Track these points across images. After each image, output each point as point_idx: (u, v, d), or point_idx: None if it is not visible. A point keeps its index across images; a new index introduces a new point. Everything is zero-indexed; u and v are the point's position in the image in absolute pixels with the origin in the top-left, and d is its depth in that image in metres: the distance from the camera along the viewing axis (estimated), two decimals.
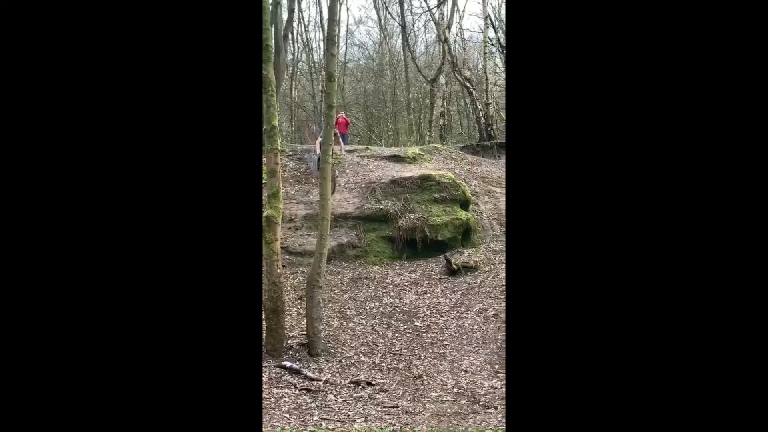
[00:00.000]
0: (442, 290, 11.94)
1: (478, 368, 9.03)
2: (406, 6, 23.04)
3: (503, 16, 21.01)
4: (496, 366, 9.08)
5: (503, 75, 22.03)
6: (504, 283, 11.97)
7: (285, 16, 16.77)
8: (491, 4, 22.79)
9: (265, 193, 9.52)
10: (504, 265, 12.48)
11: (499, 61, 22.33)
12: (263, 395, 7.81)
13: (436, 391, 8.37)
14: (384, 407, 7.79)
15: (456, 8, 22.88)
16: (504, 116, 21.07)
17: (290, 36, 19.05)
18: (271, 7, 10.50)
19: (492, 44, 21.52)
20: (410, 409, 7.75)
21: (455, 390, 8.32)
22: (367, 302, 11.39)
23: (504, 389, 8.36)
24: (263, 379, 8.32)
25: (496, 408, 7.67)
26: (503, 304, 11.27)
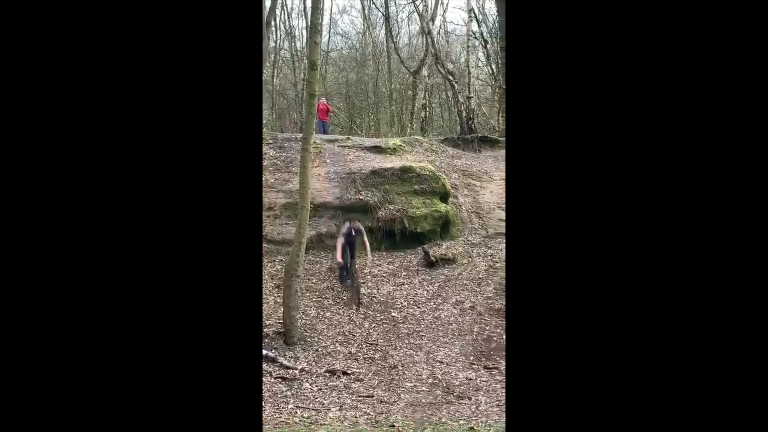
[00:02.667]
0: (419, 282, 11.98)
1: (454, 359, 9.09)
2: None
3: (487, 10, 21.09)
4: (471, 358, 9.15)
5: (485, 69, 22.12)
6: (481, 276, 12.04)
7: (268, 2, 16.66)
8: None
9: None
10: (481, 258, 12.57)
11: (482, 55, 22.39)
12: None
13: (411, 382, 8.42)
14: (359, 396, 7.81)
15: (440, 0, 22.87)
16: (485, 110, 21.14)
17: (272, 23, 18.93)
18: None
19: (475, 38, 21.52)
20: (385, 398, 7.79)
21: (430, 380, 8.37)
22: (345, 292, 11.42)
23: (478, 381, 8.44)
24: None
25: (470, 399, 7.73)
26: (480, 296, 11.35)
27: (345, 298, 11.13)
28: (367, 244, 11.73)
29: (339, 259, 11.14)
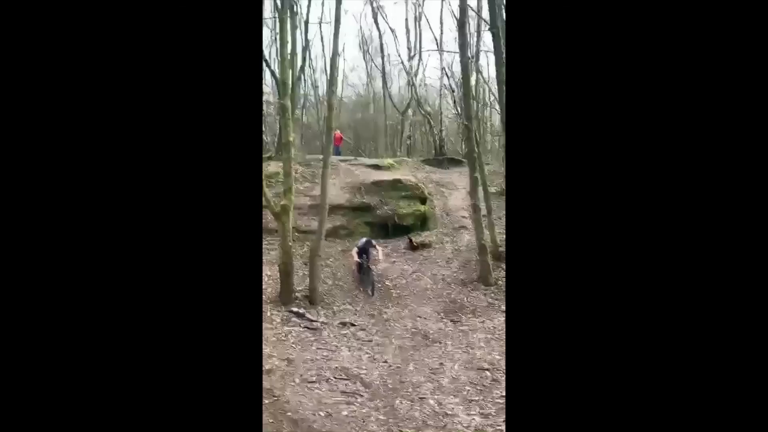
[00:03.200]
0: (405, 260, 12.00)
1: (429, 315, 9.13)
2: (385, 58, 23.07)
3: (455, 67, 21.07)
4: (441, 314, 9.20)
5: (452, 110, 22.09)
6: (449, 256, 12.03)
7: (299, 63, 16.61)
8: (446, 60, 22.89)
9: (282, 189, 9.57)
10: (449, 244, 12.58)
11: (450, 100, 22.33)
12: (278, 333, 7.84)
13: (399, 331, 8.45)
14: (362, 341, 7.85)
15: (421, 61, 22.91)
16: (452, 140, 21.15)
17: (302, 78, 18.88)
18: (289, 56, 10.42)
19: (446, 89, 21.56)
20: (380, 342, 7.82)
21: (413, 330, 8.40)
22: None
23: (447, 330, 8.47)
24: (277, 320, 8.35)
25: (440, 343, 7.78)
26: (448, 271, 11.36)
27: (362, 289, 10.84)
28: (379, 249, 11.04)
29: (356, 258, 10.56)
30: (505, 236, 11.40)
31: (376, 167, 15.52)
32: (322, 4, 34.82)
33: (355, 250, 10.71)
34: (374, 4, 23.91)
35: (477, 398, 5.58)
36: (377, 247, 11.03)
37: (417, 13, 23.29)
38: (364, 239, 11.25)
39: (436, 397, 5.64)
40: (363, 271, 10.62)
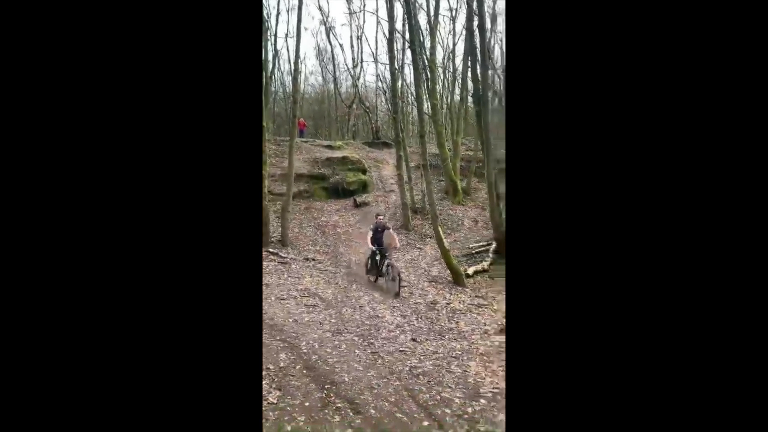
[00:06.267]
0: (351, 215, 12.06)
1: (368, 252, 9.37)
2: (336, 66, 22.31)
3: (386, 75, 20.70)
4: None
5: (385, 106, 21.84)
6: (381, 212, 12.22)
7: (270, 67, 15.68)
8: (380, 69, 22.44)
9: None
10: (382, 203, 12.74)
11: (383, 99, 22.06)
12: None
13: (347, 262, 8.61)
14: (320, 270, 7.96)
15: (362, 69, 22.35)
16: (385, 127, 21.01)
17: (273, 78, 17.88)
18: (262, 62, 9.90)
19: (380, 90, 21.26)
20: (333, 271, 7.96)
21: (356, 262, 8.57)
22: (313, 220, 11.39)
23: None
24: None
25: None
26: (381, 221, 11.60)
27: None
28: (395, 236, 7.04)
29: (370, 245, 6.75)
30: (425, 197, 11.70)
31: (330, 147, 15.29)
32: (287, 22, 33.13)
33: (369, 235, 6.85)
34: (327, 25, 23.40)
35: (397, 305, 5.91)
36: (392, 232, 7.14)
37: (359, 33, 22.79)
38: (378, 220, 7.10)
39: (371, 305, 5.91)
40: (380, 263, 6.73)
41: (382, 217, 7.20)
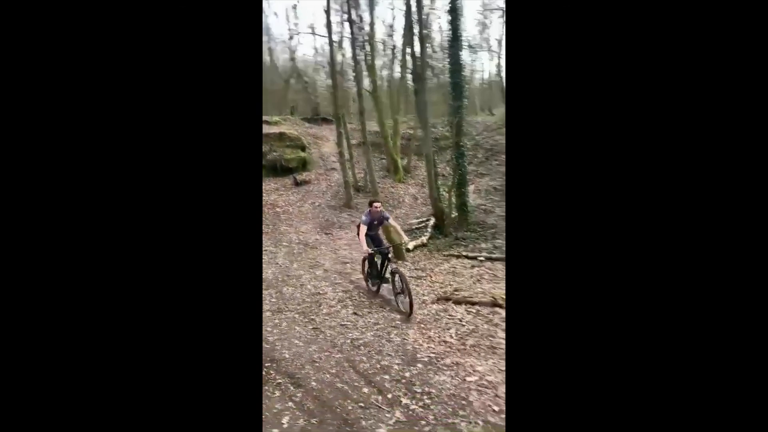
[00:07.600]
0: (292, 192, 11.81)
1: (309, 231, 9.25)
2: (271, 38, 21.06)
3: (325, 49, 20.08)
4: (318, 229, 9.37)
5: (325, 82, 21.27)
6: (323, 189, 12.06)
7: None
8: (319, 42, 21.65)
9: None
10: (324, 182, 12.58)
11: (323, 74, 21.47)
12: None
13: (287, 242, 8.43)
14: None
15: (298, 41, 21.39)
16: (325, 104, 20.53)
17: None
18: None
19: (319, 65, 20.63)
20: (273, 251, 7.74)
21: (296, 241, 8.41)
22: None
23: (326, 238, 8.68)
24: None
25: (316, 248, 7.99)
26: (322, 199, 11.44)
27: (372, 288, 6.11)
28: (398, 228, 4.98)
29: (365, 247, 4.57)
30: (367, 175, 11.71)
31: (267, 123, 14.60)
32: None
33: (363, 230, 4.68)
34: None
35: (340, 281, 5.96)
36: (393, 221, 5.04)
37: (294, 2, 21.59)
38: (373, 208, 4.83)
39: (312, 283, 5.89)
40: (383, 268, 4.84)
41: (378, 205, 4.82)
